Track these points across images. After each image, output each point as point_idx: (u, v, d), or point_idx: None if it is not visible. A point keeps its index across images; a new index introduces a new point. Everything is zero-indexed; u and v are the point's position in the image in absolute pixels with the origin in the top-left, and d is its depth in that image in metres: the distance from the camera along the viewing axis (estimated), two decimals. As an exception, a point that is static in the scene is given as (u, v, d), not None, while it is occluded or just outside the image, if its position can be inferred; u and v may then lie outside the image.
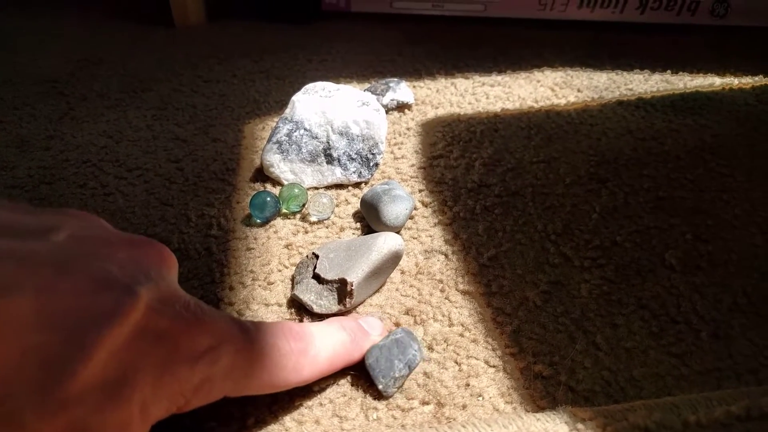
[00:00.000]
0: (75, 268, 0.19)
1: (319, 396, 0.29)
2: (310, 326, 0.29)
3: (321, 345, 0.28)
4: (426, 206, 0.43)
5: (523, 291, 0.36)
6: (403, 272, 0.37)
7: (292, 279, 0.36)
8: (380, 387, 0.29)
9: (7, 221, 0.21)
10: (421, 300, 0.35)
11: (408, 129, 0.53)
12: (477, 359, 0.31)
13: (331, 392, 0.29)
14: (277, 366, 0.26)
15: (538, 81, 0.63)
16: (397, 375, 0.29)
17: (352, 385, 0.30)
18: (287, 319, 0.34)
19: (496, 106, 0.57)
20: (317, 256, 0.36)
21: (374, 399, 0.29)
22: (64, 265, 0.19)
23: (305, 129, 0.46)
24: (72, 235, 0.21)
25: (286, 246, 0.39)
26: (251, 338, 0.25)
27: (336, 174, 0.45)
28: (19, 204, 0.24)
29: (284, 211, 0.42)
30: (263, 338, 0.26)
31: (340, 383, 0.30)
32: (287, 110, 0.48)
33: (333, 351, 0.28)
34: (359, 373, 0.30)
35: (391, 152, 0.50)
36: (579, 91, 0.61)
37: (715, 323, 0.33)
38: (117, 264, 0.21)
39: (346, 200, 0.44)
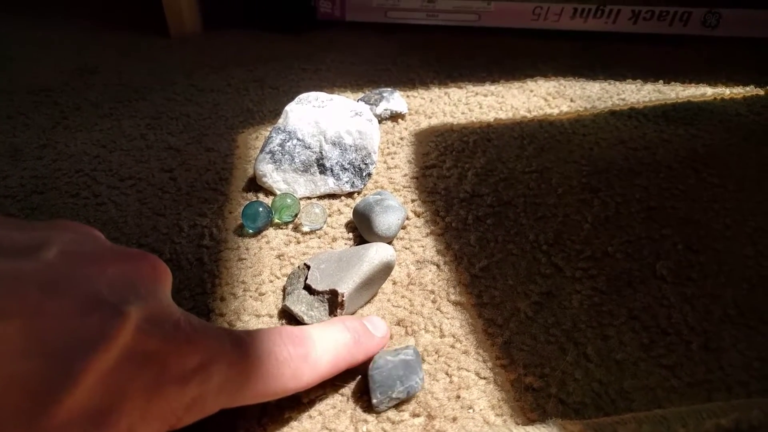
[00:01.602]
0: (63, 289, 0.19)
1: (308, 408, 0.29)
2: (310, 329, 0.28)
3: (322, 348, 0.27)
4: (418, 216, 0.43)
5: (515, 302, 0.36)
6: (394, 283, 0.37)
7: (284, 290, 0.36)
8: (374, 401, 0.28)
9: None
10: (413, 311, 0.35)
11: (401, 139, 0.53)
12: (468, 371, 0.31)
13: (321, 404, 0.29)
14: (274, 375, 0.25)
15: (531, 91, 0.63)
16: (393, 396, 0.28)
17: (342, 397, 0.30)
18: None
19: (489, 116, 0.58)
20: (308, 267, 0.36)
21: (364, 411, 0.29)
22: (52, 286, 0.19)
23: (298, 139, 0.46)
24: (62, 251, 0.21)
25: (278, 256, 0.39)
26: (244, 350, 0.25)
27: (329, 184, 0.45)
28: (9, 218, 0.23)
29: (276, 221, 0.42)
30: (258, 348, 0.25)
31: (329, 395, 0.30)
32: (280, 120, 0.48)
33: (335, 354, 0.28)
34: (364, 390, 0.30)
35: (384, 162, 0.50)
36: (572, 100, 0.61)
37: (706, 334, 0.33)
38: (106, 282, 0.21)
39: (339, 210, 0.44)
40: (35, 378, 0.17)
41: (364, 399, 0.29)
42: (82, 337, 0.19)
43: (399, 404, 0.29)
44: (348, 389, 0.30)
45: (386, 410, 0.29)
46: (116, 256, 0.23)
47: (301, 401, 0.29)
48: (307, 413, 0.29)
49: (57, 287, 0.19)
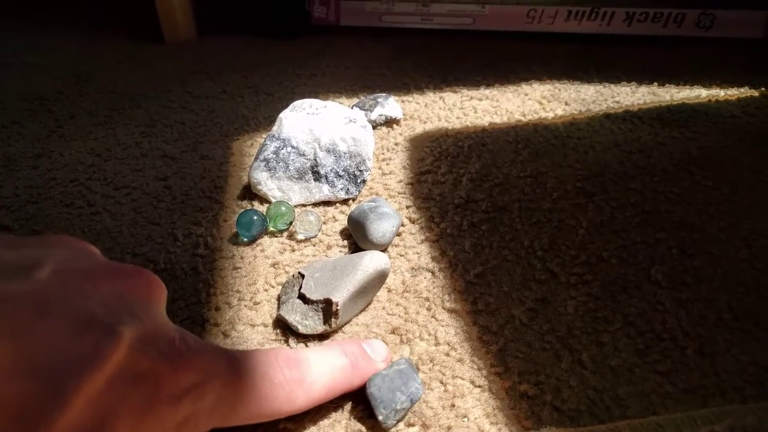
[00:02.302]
0: (55, 309, 0.19)
1: (303, 418, 0.29)
2: (307, 352, 0.28)
3: (318, 372, 0.27)
4: (413, 223, 0.43)
5: (510, 309, 0.36)
6: (389, 290, 0.37)
7: (278, 299, 0.36)
8: (380, 418, 0.28)
9: None
10: (408, 319, 0.35)
11: (396, 144, 0.53)
12: (463, 379, 0.31)
13: (316, 415, 0.29)
14: (268, 397, 0.25)
15: (526, 94, 0.63)
16: (398, 407, 0.28)
17: (337, 407, 0.30)
18: (273, 340, 0.34)
19: (484, 120, 0.58)
20: (303, 276, 0.36)
21: (359, 421, 0.29)
22: (44, 306, 0.19)
23: (292, 146, 0.46)
24: (55, 270, 0.21)
25: (273, 265, 0.39)
26: (239, 371, 0.25)
27: (323, 191, 0.45)
28: (4, 235, 0.23)
29: (271, 229, 0.42)
30: (253, 369, 0.25)
31: (324, 405, 0.30)
32: (274, 127, 0.48)
33: (331, 378, 0.28)
34: (359, 401, 0.30)
35: (379, 168, 0.50)
36: (566, 104, 0.61)
37: (701, 339, 0.33)
38: (100, 301, 0.21)
39: (334, 217, 0.44)
40: (25, 401, 0.17)
41: (359, 409, 0.29)
42: (74, 357, 0.18)
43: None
44: (343, 400, 0.30)
45: (395, 424, 0.29)
46: (111, 273, 0.23)
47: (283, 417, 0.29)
48: (301, 423, 0.29)
49: (50, 307, 0.19)
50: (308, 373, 0.27)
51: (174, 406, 0.21)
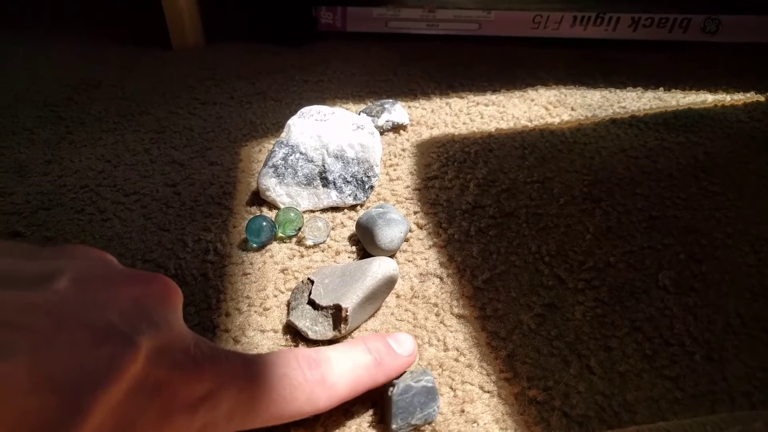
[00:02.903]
0: (74, 320, 0.19)
1: (314, 424, 0.29)
2: (328, 351, 0.28)
3: (340, 371, 0.27)
4: (421, 228, 0.44)
5: (518, 314, 0.36)
6: (398, 296, 0.37)
7: (288, 304, 0.37)
8: (393, 426, 0.28)
9: (7, 269, 0.20)
10: (417, 324, 0.35)
11: (403, 150, 0.54)
12: (472, 385, 0.31)
13: (326, 420, 0.29)
14: (288, 399, 0.25)
15: (532, 100, 0.63)
16: (413, 422, 0.28)
17: (347, 413, 0.30)
18: (283, 346, 0.34)
19: (491, 126, 0.58)
20: (312, 282, 0.36)
21: (369, 427, 0.29)
22: (62, 318, 0.19)
23: (301, 153, 0.46)
24: (73, 279, 0.21)
25: (282, 271, 0.40)
26: (256, 374, 0.25)
27: (332, 197, 0.46)
28: (19, 244, 0.23)
29: (280, 235, 0.42)
30: (271, 372, 0.25)
31: (334, 411, 0.30)
32: (283, 134, 0.48)
33: (354, 376, 0.28)
34: (369, 405, 0.30)
35: (387, 174, 0.50)
36: (572, 109, 0.61)
37: (709, 345, 0.34)
38: (118, 309, 0.21)
39: (342, 223, 0.44)
40: (44, 415, 0.17)
41: (369, 414, 0.30)
42: (92, 369, 0.19)
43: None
44: (353, 405, 0.30)
45: None
46: (128, 280, 0.23)
47: (306, 418, 0.29)
48: (312, 429, 0.29)
49: (68, 318, 0.19)
50: (330, 373, 0.27)
51: (190, 415, 0.22)
